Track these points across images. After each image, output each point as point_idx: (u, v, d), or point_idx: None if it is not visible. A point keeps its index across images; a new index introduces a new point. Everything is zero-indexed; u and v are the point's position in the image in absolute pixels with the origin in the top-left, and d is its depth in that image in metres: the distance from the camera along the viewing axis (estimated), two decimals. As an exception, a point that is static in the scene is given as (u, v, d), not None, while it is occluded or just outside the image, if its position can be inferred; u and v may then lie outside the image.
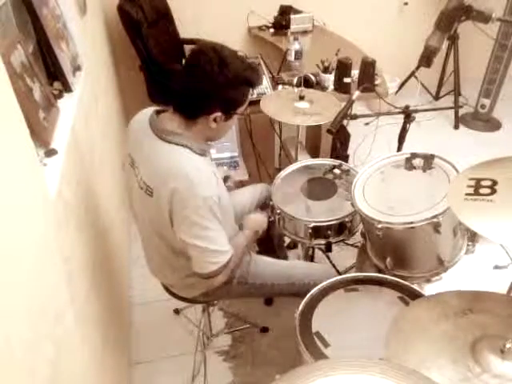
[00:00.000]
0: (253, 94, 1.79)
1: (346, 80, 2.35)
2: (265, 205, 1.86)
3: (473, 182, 1.06)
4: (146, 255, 1.58)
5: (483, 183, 1.05)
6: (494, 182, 1.04)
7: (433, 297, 1.12)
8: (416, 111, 1.82)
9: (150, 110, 1.37)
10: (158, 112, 1.36)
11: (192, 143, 1.29)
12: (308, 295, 1.36)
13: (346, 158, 2.70)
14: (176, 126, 1.30)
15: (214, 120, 1.29)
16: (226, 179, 1.79)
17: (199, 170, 1.26)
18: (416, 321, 1.03)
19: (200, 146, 1.31)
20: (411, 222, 1.36)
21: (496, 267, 1.55)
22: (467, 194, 1.04)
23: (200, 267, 1.33)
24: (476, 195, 1.03)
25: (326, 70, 2.42)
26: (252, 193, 1.88)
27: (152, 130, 1.31)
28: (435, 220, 1.33)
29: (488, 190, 1.03)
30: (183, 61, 1.38)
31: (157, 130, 1.30)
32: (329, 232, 1.70)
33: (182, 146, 1.27)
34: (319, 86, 2.43)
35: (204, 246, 1.29)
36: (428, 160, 1.54)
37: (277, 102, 2.08)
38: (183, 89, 1.29)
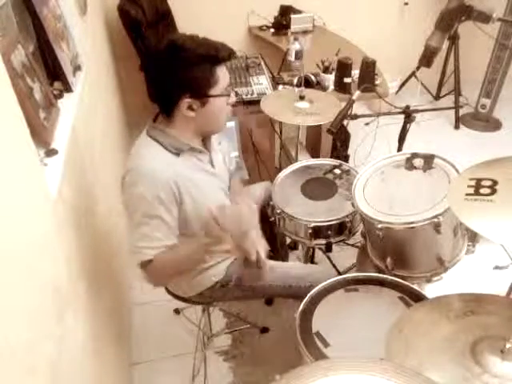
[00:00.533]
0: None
1: (347, 80, 2.35)
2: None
3: (473, 182, 1.06)
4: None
5: (483, 183, 1.05)
6: (495, 182, 1.04)
7: (435, 300, 1.11)
8: (416, 111, 1.82)
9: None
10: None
11: (165, 140, 1.28)
12: (308, 295, 1.36)
13: (346, 158, 2.69)
14: (160, 122, 1.33)
15: (190, 108, 1.25)
16: None
17: (154, 170, 1.23)
18: (417, 324, 1.02)
19: (175, 144, 1.29)
20: (412, 222, 1.36)
21: (496, 267, 1.55)
22: (467, 194, 1.04)
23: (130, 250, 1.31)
24: (476, 195, 1.03)
25: (326, 70, 2.42)
26: (263, 189, 1.87)
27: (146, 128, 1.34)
28: (435, 220, 1.33)
29: (488, 190, 1.02)
30: None
31: (148, 127, 1.33)
32: (329, 232, 1.70)
33: (156, 140, 1.28)
34: (319, 85, 2.43)
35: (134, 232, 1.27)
36: (428, 160, 1.54)
37: (277, 102, 2.08)
38: (150, 88, 1.30)
